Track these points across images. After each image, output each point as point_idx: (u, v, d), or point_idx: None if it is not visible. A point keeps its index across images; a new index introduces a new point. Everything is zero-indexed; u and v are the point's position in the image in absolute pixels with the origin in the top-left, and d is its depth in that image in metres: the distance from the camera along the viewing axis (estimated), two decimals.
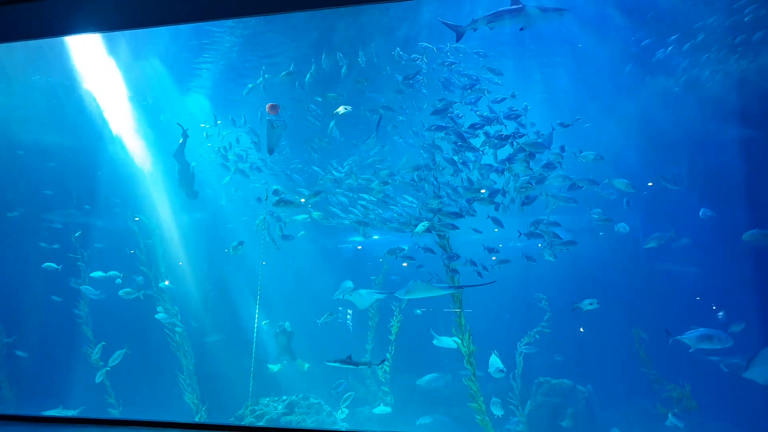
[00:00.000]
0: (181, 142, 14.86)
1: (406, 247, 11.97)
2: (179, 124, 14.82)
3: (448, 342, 12.56)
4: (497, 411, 11.41)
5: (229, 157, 15.00)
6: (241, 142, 15.05)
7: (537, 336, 13.36)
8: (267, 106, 12.26)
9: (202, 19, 7.29)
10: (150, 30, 13.46)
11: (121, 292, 13.78)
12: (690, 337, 9.78)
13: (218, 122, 15.00)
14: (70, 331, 14.79)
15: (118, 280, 14.41)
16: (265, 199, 12.70)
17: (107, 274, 14.37)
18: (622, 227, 12.49)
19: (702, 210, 12.90)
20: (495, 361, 11.36)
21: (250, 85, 14.34)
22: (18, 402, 14.92)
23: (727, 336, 9.69)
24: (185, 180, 14.83)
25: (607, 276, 14.05)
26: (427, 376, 14.55)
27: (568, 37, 13.88)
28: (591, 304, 10.86)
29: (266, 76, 14.05)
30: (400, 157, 13.10)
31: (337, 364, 10.40)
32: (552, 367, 13.94)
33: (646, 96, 14.94)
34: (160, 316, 13.92)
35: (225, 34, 13.78)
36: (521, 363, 12.68)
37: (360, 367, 10.49)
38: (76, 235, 15.02)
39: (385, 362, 12.65)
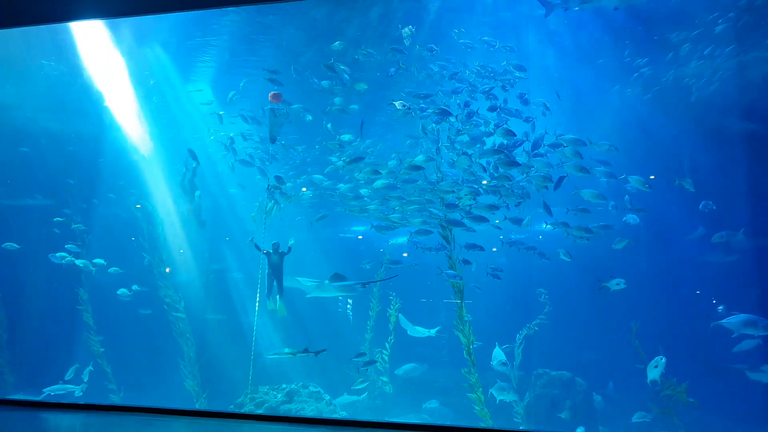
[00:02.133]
0: (185, 170, 14.92)
1: (434, 231, 11.51)
2: (190, 150, 14.89)
3: (421, 331, 12.68)
4: (507, 397, 11.26)
5: (236, 149, 15.01)
6: (247, 137, 15.03)
7: (536, 328, 13.42)
8: (270, 94, 12.25)
9: (205, 6, 7.27)
10: (153, 17, 13.40)
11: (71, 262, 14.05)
12: (732, 322, 9.54)
13: (221, 113, 14.99)
14: (72, 317, 14.86)
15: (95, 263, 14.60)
16: (268, 188, 12.71)
17: (71, 257, 14.35)
18: (632, 218, 12.41)
19: (703, 202, 12.84)
20: (498, 354, 11.32)
21: (232, 93, 14.41)
22: (20, 387, 15.01)
23: None
24: (194, 209, 14.87)
25: (608, 270, 14.04)
26: (405, 366, 14.55)
27: (568, 27, 13.90)
28: (618, 284, 10.74)
29: (246, 79, 14.23)
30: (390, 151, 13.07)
31: (277, 356, 11.24)
32: (551, 359, 13.97)
33: (644, 90, 14.95)
34: (121, 291, 14.15)
35: (228, 21, 13.71)
36: (519, 355, 12.74)
37: (298, 355, 11.11)
38: (60, 216, 15.11)
39: (325, 351, 12.49)
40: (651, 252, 14.96)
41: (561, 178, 10.64)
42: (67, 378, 13.35)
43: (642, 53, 13.87)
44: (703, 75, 13.69)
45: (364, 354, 12.79)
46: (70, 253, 14.31)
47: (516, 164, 10.25)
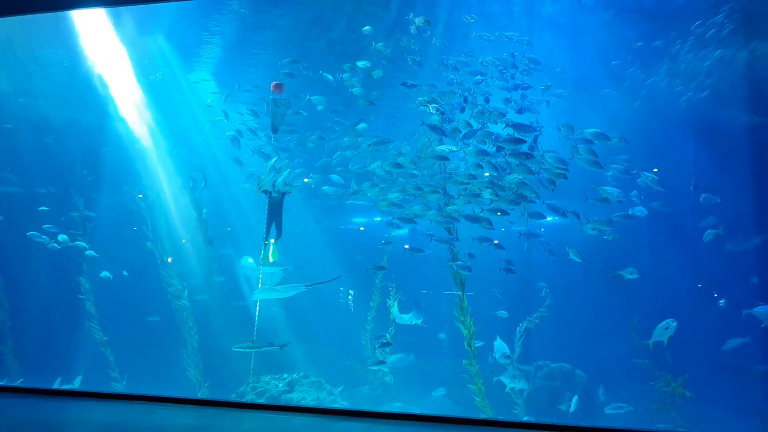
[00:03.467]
0: (193, 184, 14.95)
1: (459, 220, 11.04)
2: (201, 171, 14.99)
3: (407, 319, 12.71)
4: (518, 385, 11.14)
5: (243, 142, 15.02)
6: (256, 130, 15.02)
7: (537, 321, 13.42)
8: (272, 84, 12.19)
9: None
10: (155, 6, 13.37)
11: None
12: (763, 312, 9.55)
13: (225, 104, 14.97)
14: (74, 305, 14.95)
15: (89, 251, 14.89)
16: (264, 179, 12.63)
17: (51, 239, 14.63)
18: (640, 210, 12.31)
19: (703, 195, 12.76)
20: (500, 346, 11.22)
21: (226, 93, 14.56)
22: (23, 374, 15.11)
23: None
24: (201, 226, 14.91)
25: (610, 262, 14.11)
26: (393, 357, 14.59)
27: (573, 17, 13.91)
28: (631, 273, 10.71)
29: (237, 86, 14.37)
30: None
31: (241, 349, 11.45)
32: (551, 351, 14.02)
33: (648, 82, 14.96)
34: (104, 274, 14.52)
35: (230, 10, 13.67)
36: (519, 347, 12.77)
37: (263, 349, 11.45)
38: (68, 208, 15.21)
39: (289, 343, 12.43)
40: (653, 244, 14.97)
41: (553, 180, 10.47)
42: (54, 386, 13.48)
43: (636, 55, 14.00)
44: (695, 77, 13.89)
45: (383, 336, 12.83)
46: (47, 233, 14.56)
47: (531, 156, 10.00)
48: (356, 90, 12.80)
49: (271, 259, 12.13)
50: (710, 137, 14.46)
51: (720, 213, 13.38)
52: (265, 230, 12.06)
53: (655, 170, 13.94)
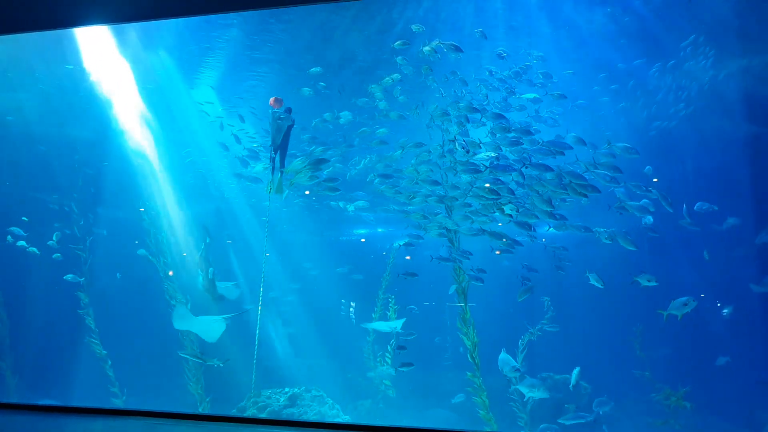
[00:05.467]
0: (207, 243, 15.03)
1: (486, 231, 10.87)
2: (205, 227, 15.04)
3: (381, 326, 12.68)
4: (538, 394, 10.81)
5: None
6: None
7: (539, 333, 13.35)
8: (271, 99, 12.17)
9: (210, 11, 7.27)
10: (158, 22, 13.42)
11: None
12: None
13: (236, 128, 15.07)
14: (74, 321, 14.88)
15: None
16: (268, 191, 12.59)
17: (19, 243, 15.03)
18: (648, 220, 12.22)
19: (698, 204, 12.72)
20: (507, 359, 10.97)
21: (221, 115, 14.70)
22: (22, 391, 15.01)
23: None
24: (210, 285, 14.95)
25: (612, 272, 14.10)
26: (380, 368, 14.45)
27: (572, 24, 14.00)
28: (649, 280, 10.51)
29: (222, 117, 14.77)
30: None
31: (187, 357, 12.10)
32: (555, 362, 13.93)
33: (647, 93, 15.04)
34: (68, 276, 14.57)
35: (233, 26, 13.74)
36: (522, 360, 12.69)
37: (208, 363, 11.91)
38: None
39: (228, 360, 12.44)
40: (656, 254, 14.94)
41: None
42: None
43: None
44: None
45: (413, 335, 12.75)
46: (15, 235, 14.83)
47: (550, 169, 9.75)
48: (382, 104, 12.82)
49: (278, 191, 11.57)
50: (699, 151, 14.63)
51: (719, 220, 13.42)
52: (270, 161, 11.62)
53: (655, 180, 13.98)
